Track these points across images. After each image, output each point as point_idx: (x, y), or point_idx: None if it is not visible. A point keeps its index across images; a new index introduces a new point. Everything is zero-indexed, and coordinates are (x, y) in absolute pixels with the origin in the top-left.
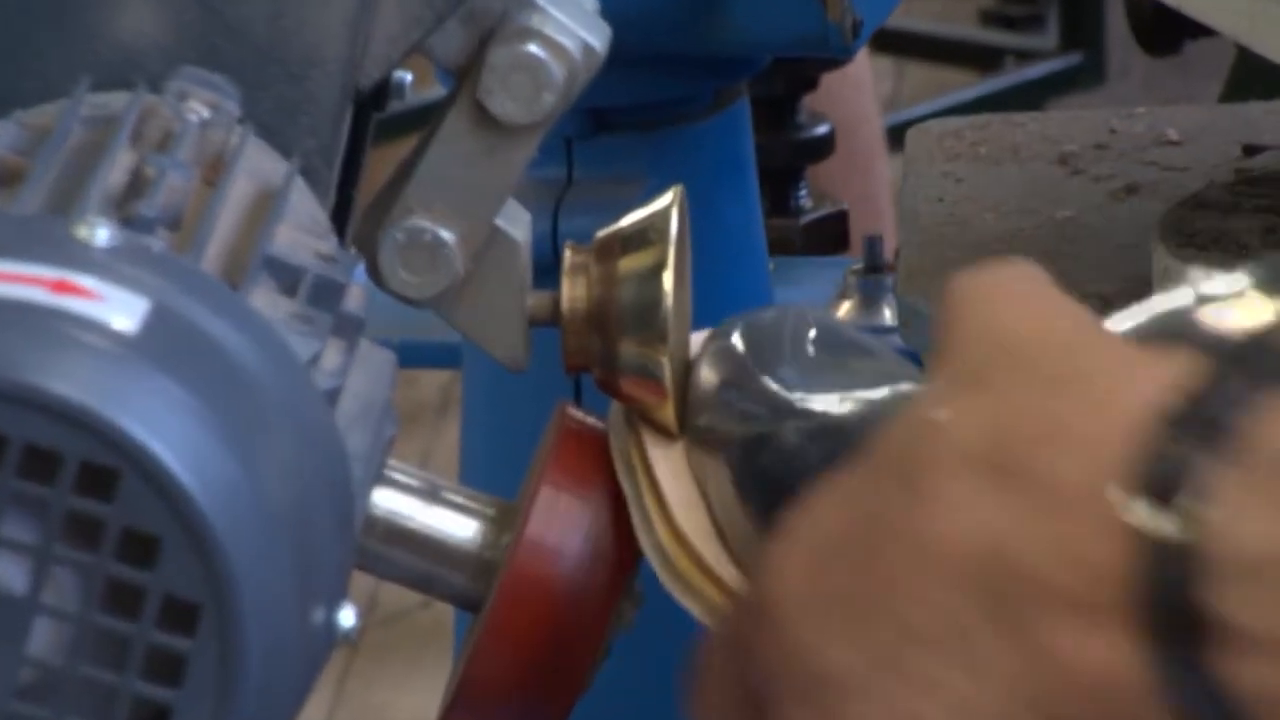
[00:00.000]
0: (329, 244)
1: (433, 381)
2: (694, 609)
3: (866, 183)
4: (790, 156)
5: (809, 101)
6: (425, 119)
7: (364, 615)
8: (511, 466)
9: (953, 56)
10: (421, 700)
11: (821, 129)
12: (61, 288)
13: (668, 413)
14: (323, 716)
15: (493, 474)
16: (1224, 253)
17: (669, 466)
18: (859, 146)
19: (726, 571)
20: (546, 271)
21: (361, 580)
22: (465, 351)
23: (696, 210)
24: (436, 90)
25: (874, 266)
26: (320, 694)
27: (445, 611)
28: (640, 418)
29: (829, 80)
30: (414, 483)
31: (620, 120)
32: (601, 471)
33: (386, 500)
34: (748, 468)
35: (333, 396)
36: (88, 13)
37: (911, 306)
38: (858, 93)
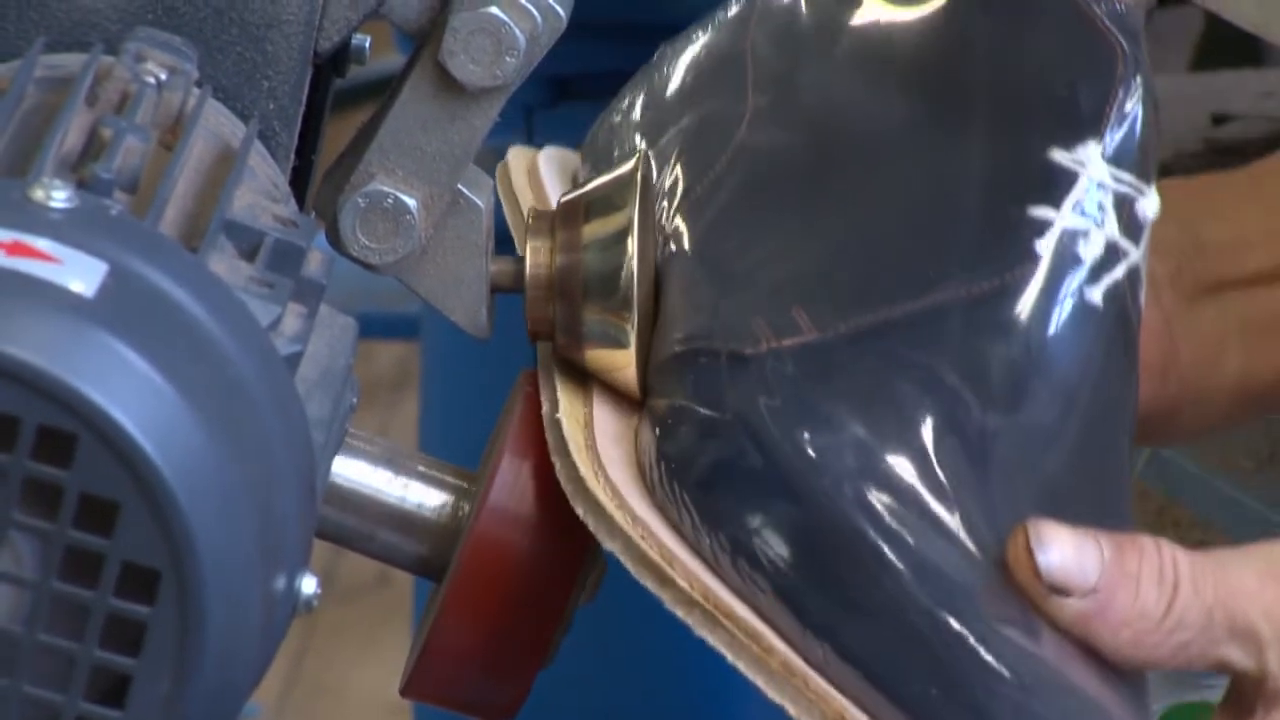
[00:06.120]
0: (289, 208)
1: (389, 357)
2: (602, 535)
3: None
4: None
5: None
6: (385, 88)
7: (321, 593)
8: (471, 436)
9: None
10: (379, 677)
11: None
12: (17, 250)
13: (630, 379)
14: (279, 694)
15: (452, 443)
16: None
17: (608, 413)
18: None
19: (636, 499)
20: (506, 242)
21: (319, 557)
22: (424, 321)
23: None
24: (397, 60)
25: None
26: (277, 671)
27: (403, 589)
28: (599, 381)
29: None
30: (375, 450)
31: (582, 89)
32: None
33: (348, 468)
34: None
35: (293, 362)
36: None
37: None
38: None
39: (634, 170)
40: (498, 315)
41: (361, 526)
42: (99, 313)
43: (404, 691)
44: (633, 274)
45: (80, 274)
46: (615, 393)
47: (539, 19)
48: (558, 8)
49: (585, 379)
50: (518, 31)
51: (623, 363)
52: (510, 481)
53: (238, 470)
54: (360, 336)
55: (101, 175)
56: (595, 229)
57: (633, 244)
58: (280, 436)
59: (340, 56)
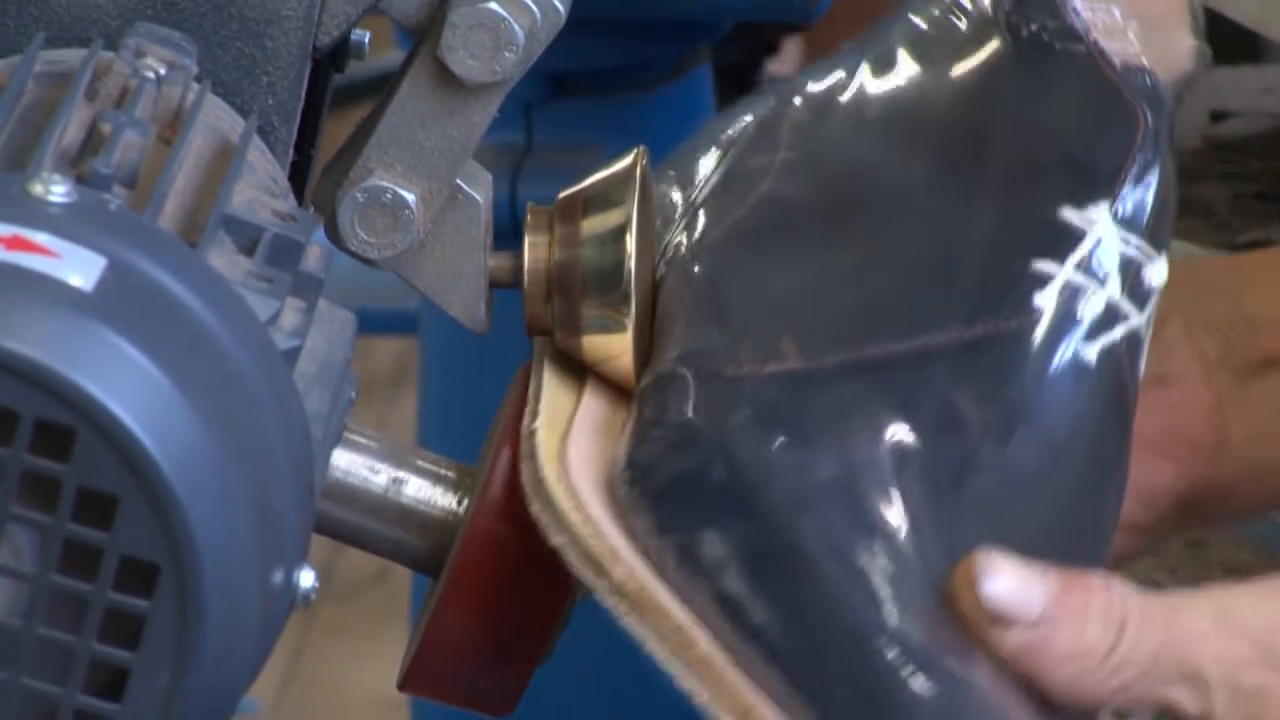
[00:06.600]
0: (287, 203)
1: (387, 353)
2: (552, 531)
3: None
4: None
5: (771, 67)
6: (384, 84)
7: (319, 590)
8: (469, 431)
9: None
10: (377, 675)
11: None
12: (16, 244)
13: (626, 366)
14: (277, 689)
15: (450, 438)
16: (1191, 220)
17: (591, 409)
18: None
19: (594, 503)
20: (504, 239)
21: (317, 554)
22: (423, 316)
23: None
24: (397, 56)
25: None
26: (274, 667)
27: (401, 587)
28: (593, 380)
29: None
30: (374, 445)
31: (581, 85)
32: None
33: (346, 462)
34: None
35: (291, 356)
36: None
37: None
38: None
39: (631, 167)
40: (496, 310)
41: (359, 521)
42: (97, 307)
43: (401, 686)
44: (631, 270)
45: (79, 268)
46: (606, 395)
47: (538, 14)
48: (557, 3)
49: (579, 379)
50: (517, 27)
51: (618, 349)
52: (508, 476)
53: (236, 464)
54: (359, 332)
55: (101, 170)
56: (593, 224)
57: (631, 240)
58: (278, 431)
59: (339, 52)
